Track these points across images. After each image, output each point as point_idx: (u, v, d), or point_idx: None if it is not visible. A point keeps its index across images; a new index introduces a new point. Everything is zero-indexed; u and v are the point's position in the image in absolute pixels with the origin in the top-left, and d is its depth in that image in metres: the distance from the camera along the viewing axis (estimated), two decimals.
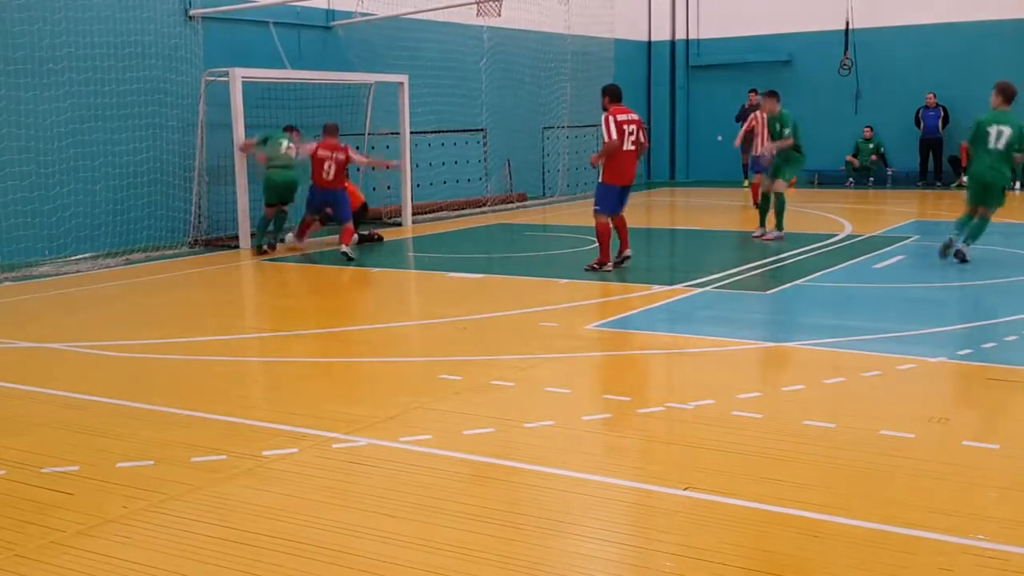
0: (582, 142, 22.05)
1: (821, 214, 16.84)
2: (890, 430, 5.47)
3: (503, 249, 13.55)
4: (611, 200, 11.08)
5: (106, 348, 7.95)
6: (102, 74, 13.29)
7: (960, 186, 21.28)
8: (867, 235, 13.89)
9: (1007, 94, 11.04)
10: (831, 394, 6.26)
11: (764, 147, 13.92)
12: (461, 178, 18.87)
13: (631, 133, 10.95)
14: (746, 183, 21.30)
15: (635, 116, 11.16)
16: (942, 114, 21.57)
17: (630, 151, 11.01)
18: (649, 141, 10.35)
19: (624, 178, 11.13)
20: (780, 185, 13.48)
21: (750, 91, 21.23)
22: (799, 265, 11.50)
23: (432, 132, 17.87)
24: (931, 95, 21.62)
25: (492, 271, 11.59)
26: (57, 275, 11.83)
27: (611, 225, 11.15)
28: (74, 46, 12.92)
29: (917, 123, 21.86)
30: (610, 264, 11.10)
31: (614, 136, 10.84)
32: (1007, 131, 10.79)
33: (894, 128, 22.28)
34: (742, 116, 21.13)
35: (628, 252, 11.30)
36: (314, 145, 13.07)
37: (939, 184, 21.72)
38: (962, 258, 10.94)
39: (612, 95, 11.10)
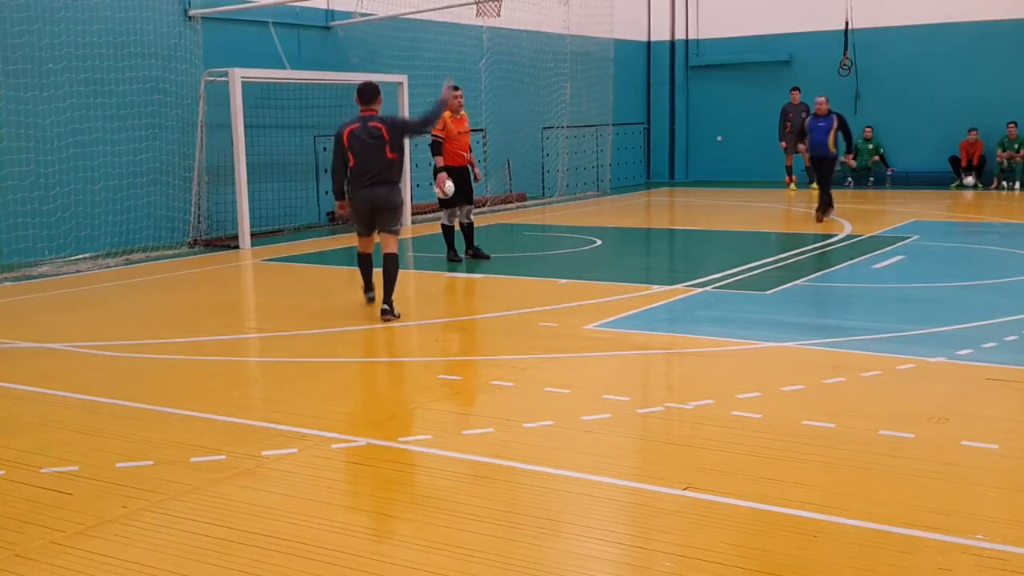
0: (582, 142, 22.05)
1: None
2: (890, 430, 5.47)
3: (503, 249, 13.54)
4: None
5: (106, 348, 7.95)
6: (102, 74, 13.29)
7: (960, 186, 21.29)
8: (867, 235, 13.88)
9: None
10: (831, 394, 6.25)
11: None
12: None
13: None
14: (792, 185, 21.45)
15: None
16: None
17: None
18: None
19: None
20: None
21: (792, 89, 21.31)
22: (799, 265, 11.50)
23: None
24: None
25: (492, 271, 11.58)
26: (57, 275, 11.83)
27: None
28: (73, 46, 12.91)
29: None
30: None
31: None
32: None
33: (894, 128, 22.28)
34: (784, 116, 21.24)
35: None
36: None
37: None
38: None
39: None
